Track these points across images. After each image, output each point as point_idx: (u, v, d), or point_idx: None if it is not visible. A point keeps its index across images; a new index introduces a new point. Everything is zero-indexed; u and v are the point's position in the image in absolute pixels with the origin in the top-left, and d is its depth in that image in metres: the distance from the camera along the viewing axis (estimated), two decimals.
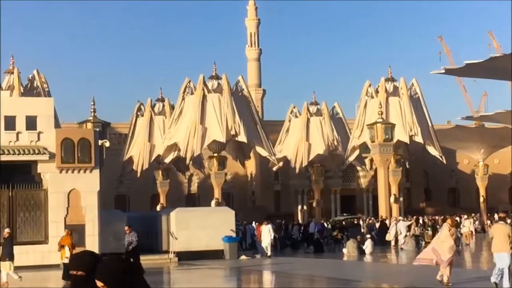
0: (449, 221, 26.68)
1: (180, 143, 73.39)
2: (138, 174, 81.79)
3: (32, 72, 71.37)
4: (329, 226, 63.41)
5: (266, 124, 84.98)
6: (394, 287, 30.66)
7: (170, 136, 74.76)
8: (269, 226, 44.89)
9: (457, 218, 72.39)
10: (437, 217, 70.00)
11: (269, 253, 44.77)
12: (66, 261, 29.88)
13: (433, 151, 79.42)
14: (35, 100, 47.72)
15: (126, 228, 34.37)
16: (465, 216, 67.44)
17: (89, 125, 61.36)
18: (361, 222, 66.68)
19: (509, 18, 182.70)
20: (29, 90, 68.70)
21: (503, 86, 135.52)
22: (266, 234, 44.57)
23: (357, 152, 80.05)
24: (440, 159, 79.93)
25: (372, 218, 70.97)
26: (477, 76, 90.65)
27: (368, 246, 47.50)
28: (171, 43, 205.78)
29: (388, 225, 58.72)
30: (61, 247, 31.92)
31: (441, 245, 25.14)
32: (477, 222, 74.90)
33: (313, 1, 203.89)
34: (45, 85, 70.39)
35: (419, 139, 77.22)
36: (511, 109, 75.75)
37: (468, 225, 59.76)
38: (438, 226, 69.33)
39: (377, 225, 61.67)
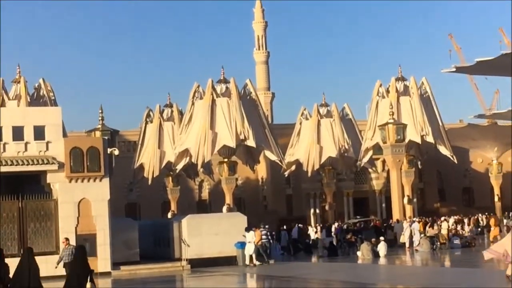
0: None
1: (192, 149, 73.05)
2: (149, 182, 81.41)
3: (38, 81, 71.04)
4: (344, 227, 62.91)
5: (277, 128, 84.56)
6: None
7: (181, 142, 74.43)
8: (252, 233, 42.88)
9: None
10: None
11: (247, 262, 41.96)
12: None
13: (444, 150, 78.83)
14: (43, 110, 47.40)
15: (64, 240, 32.71)
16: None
17: (98, 134, 61.03)
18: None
19: None
20: (36, 99, 68.36)
21: None
22: (249, 242, 42.42)
23: (370, 153, 79.48)
24: (452, 158, 79.29)
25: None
26: (488, 74, 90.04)
27: (382, 248, 46.93)
28: (178, 48, 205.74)
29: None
30: None
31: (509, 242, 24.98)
32: None
33: (320, 1, 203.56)
34: (51, 94, 70.09)
35: (430, 139, 76.65)
36: None
37: None
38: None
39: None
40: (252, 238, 41.91)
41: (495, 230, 58.74)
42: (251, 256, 42.05)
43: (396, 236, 57.27)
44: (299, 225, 65.30)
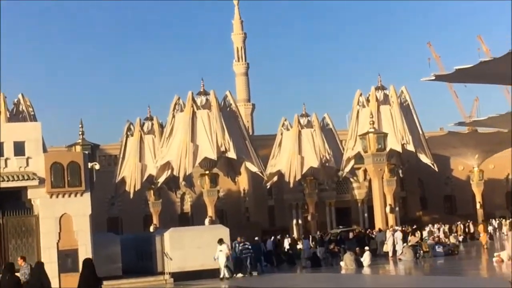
0: None
1: (173, 161, 72.91)
2: (131, 195, 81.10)
3: (17, 96, 70.72)
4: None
5: (258, 139, 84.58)
6: None
7: (162, 155, 74.27)
8: (224, 245, 42.22)
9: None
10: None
11: (221, 275, 41.18)
12: None
13: (425, 159, 79.09)
14: (23, 125, 47.15)
15: (19, 259, 32.01)
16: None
17: (78, 148, 60.86)
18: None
19: (497, 21, 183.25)
20: (15, 115, 68.09)
21: (495, 90, 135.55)
22: (222, 254, 41.85)
23: (352, 163, 79.53)
24: (432, 166, 79.53)
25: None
26: (467, 82, 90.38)
27: (366, 258, 46.84)
28: (158, 61, 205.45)
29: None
30: None
31: None
32: None
33: (299, 12, 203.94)
34: (30, 109, 69.85)
35: (410, 147, 76.88)
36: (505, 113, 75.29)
37: None
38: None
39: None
40: (225, 251, 41.42)
41: (483, 236, 58.97)
42: (226, 268, 41.53)
43: (377, 246, 57.20)
44: (278, 237, 64.39)
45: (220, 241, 41.58)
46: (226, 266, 41.47)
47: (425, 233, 62.03)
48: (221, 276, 41.15)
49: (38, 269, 24.35)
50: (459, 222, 77.97)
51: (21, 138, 38.37)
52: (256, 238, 59.93)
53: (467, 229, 74.41)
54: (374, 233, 62.45)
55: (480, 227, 67.07)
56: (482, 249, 54.60)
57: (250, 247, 44.98)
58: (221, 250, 41.15)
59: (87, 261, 25.20)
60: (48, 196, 37.83)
